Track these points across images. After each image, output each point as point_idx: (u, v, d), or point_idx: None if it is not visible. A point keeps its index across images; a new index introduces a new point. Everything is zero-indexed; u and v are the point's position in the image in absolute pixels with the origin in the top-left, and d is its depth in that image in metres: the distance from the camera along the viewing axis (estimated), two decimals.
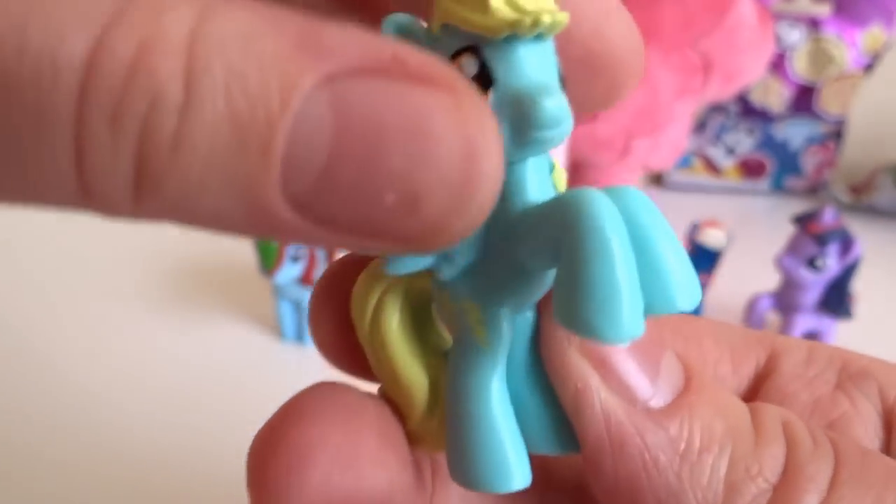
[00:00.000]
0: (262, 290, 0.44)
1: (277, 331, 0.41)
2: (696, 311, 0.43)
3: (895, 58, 0.60)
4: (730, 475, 0.11)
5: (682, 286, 0.09)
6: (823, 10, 0.56)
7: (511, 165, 0.09)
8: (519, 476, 0.10)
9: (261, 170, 0.08)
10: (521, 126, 0.09)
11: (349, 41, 0.08)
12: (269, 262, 0.37)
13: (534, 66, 0.09)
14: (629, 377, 0.11)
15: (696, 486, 0.11)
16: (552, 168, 0.10)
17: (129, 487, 0.31)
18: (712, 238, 0.41)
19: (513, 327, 0.10)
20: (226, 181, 0.08)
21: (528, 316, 0.10)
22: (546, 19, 0.09)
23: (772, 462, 0.11)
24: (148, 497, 0.31)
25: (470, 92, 0.08)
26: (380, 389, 0.12)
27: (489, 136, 0.08)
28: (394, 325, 0.11)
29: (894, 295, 0.48)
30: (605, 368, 0.10)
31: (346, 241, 0.09)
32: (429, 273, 0.10)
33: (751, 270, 0.42)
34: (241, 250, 0.48)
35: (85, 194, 0.09)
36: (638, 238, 0.09)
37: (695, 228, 0.42)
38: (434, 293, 0.10)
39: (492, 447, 0.10)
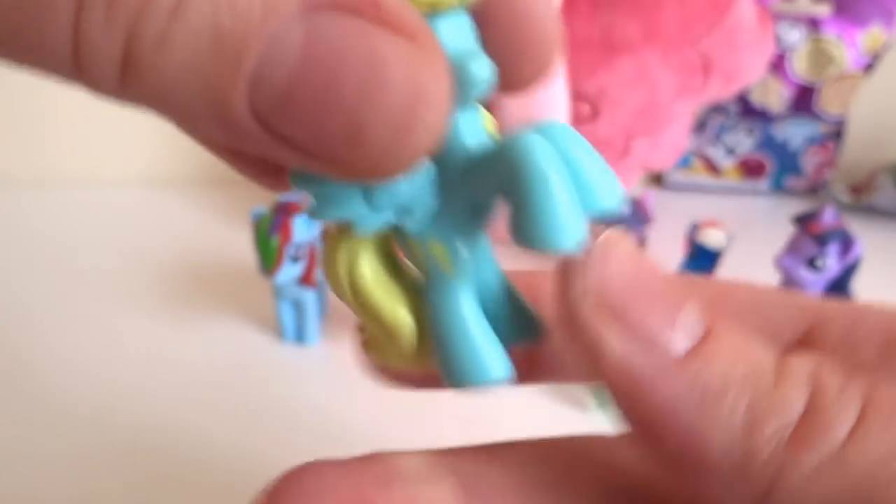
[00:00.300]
0: (262, 291, 0.44)
1: (277, 331, 0.41)
2: None
3: (895, 58, 0.60)
4: (748, 414, 0.11)
5: (606, 191, 0.11)
6: (823, 10, 0.56)
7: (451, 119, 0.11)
8: (497, 369, 0.12)
9: (230, 79, 0.09)
10: (454, 87, 0.10)
11: None
12: (269, 263, 0.37)
13: (455, 36, 0.10)
14: (645, 327, 0.11)
15: (715, 426, 0.11)
16: (482, 117, 0.12)
17: (130, 487, 0.31)
18: (712, 238, 0.41)
19: (473, 253, 0.12)
20: (199, 83, 0.09)
21: (482, 239, 0.12)
22: None
23: (793, 402, 0.11)
24: (148, 497, 0.31)
25: (433, 46, 0.09)
26: (363, 341, 0.14)
27: (439, 89, 0.09)
28: (368, 276, 0.12)
29: (894, 295, 0.48)
30: (621, 321, 0.11)
31: (298, 159, 0.10)
32: (393, 229, 0.12)
33: (751, 270, 0.42)
34: (241, 250, 0.48)
35: (76, 67, 0.09)
36: (568, 162, 0.10)
37: (695, 228, 0.42)
38: (399, 241, 0.12)
39: (471, 349, 0.12)
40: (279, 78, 0.09)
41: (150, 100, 0.10)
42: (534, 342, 0.13)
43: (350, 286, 0.12)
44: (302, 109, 0.09)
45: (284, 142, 0.09)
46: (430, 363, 0.13)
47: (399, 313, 0.12)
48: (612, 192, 0.11)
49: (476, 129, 0.11)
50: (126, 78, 0.09)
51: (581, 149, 0.11)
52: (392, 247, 0.12)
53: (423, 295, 0.12)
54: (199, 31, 0.09)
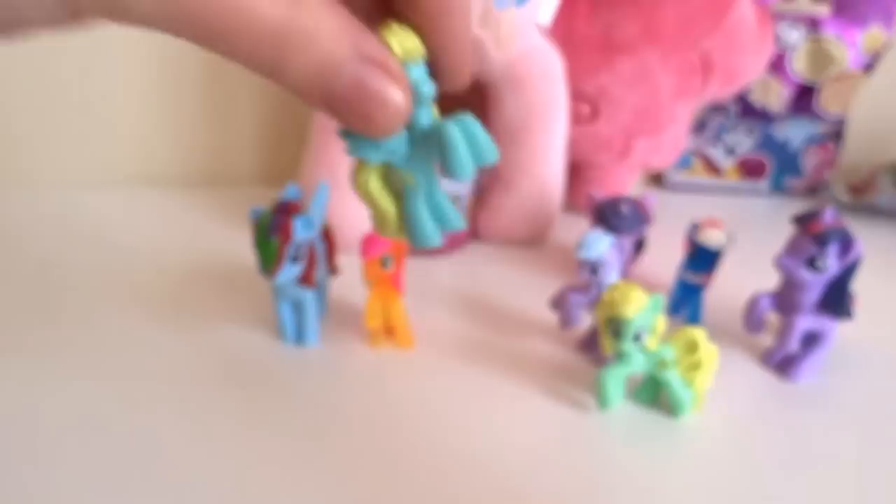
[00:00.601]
0: (262, 291, 0.44)
1: (277, 331, 0.41)
2: (696, 319, 0.43)
3: (895, 58, 0.60)
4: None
5: (488, 153, 0.20)
6: (823, 11, 0.56)
7: (414, 109, 0.20)
8: (435, 239, 0.22)
9: (313, 78, 0.18)
10: (414, 99, 0.20)
11: (369, 43, 0.18)
12: (268, 263, 0.37)
13: (416, 71, 0.20)
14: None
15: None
16: (431, 110, 0.21)
17: (129, 488, 0.31)
18: (712, 238, 0.41)
19: (425, 178, 0.22)
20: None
21: (431, 171, 0.22)
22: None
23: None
24: (148, 496, 0.31)
25: (405, 82, 0.19)
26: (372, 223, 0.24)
27: (406, 101, 0.19)
28: (374, 186, 0.22)
29: (894, 295, 0.48)
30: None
31: (341, 121, 0.19)
32: (387, 162, 0.22)
33: (751, 270, 0.42)
34: (241, 250, 0.48)
35: None
36: (468, 136, 0.20)
37: (695, 228, 0.42)
38: (390, 169, 0.22)
39: (421, 228, 0.22)
40: (339, 89, 0.18)
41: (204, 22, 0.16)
42: (455, 229, 0.23)
43: (364, 192, 0.22)
44: (348, 105, 0.19)
45: (335, 113, 0.19)
46: (403, 233, 0.23)
47: (389, 207, 0.23)
48: (492, 153, 0.21)
49: (427, 116, 0.21)
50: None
51: (476, 129, 0.21)
52: (387, 172, 0.22)
53: (400, 198, 0.23)
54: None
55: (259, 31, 0.16)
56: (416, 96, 0.20)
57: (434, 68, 0.21)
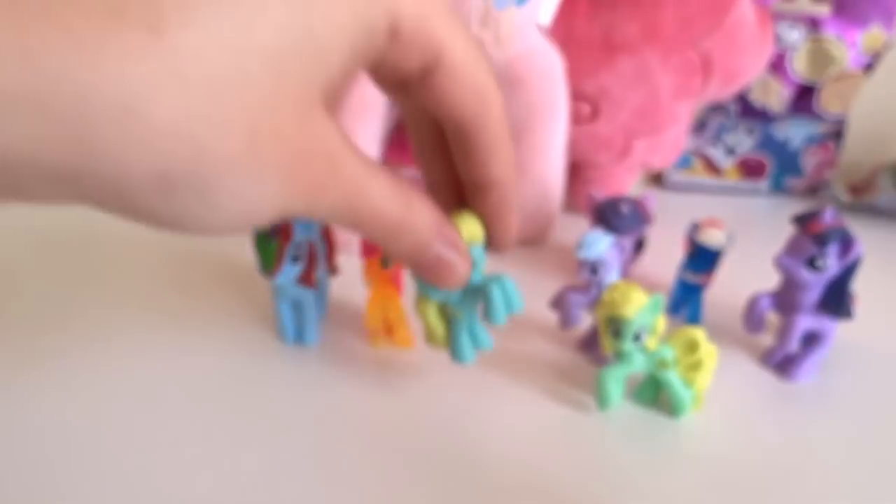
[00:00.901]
0: (262, 291, 0.44)
1: (277, 331, 0.41)
2: (696, 319, 0.43)
3: (895, 58, 0.60)
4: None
5: (516, 305, 0.29)
6: (823, 10, 0.56)
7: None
8: (471, 358, 0.32)
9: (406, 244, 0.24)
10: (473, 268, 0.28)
11: (448, 230, 0.25)
12: (269, 263, 0.37)
13: (475, 252, 0.28)
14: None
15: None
16: (480, 271, 0.29)
17: (129, 489, 0.31)
18: (712, 238, 0.41)
19: (468, 314, 0.31)
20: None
21: (473, 310, 0.30)
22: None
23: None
24: (147, 497, 0.31)
25: (469, 258, 0.26)
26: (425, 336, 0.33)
27: (468, 270, 0.26)
28: (432, 314, 0.31)
29: (894, 295, 0.48)
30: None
31: (424, 277, 0.26)
32: (445, 300, 0.31)
33: (751, 270, 0.42)
34: (240, 251, 0.48)
35: None
36: (504, 292, 0.29)
37: (695, 228, 0.42)
38: (446, 306, 0.31)
39: (461, 348, 0.31)
40: (425, 261, 0.25)
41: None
42: (486, 348, 0.32)
43: (423, 316, 0.31)
44: (428, 271, 0.25)
45: (418, 272, 0.26)
46: (448, 350, 0.32)
47: (439, 330, 0.32)
48: (520, 305, 0.29)
49: (478, 276, 0.29)
50: None
51: (511, 288, 0.29)
52: (441, 305, 0.31)
53: (449, 325, 0.32)
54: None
55: (382, 223, 0.22)
56: (473, 265, 0.27)
57: (488, 242, 0.28)
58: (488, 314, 0.29)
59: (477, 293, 0.29)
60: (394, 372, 0.39)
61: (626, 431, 0.35)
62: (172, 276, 0.48)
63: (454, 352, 0.32)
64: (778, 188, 0.63)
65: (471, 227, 0.27)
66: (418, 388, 0.38)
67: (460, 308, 0.30)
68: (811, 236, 0.36)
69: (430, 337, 0.32)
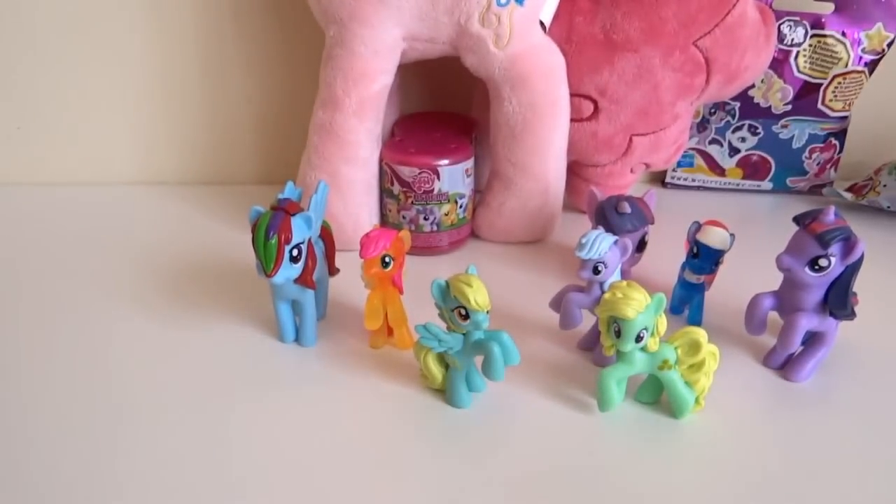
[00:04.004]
0: (261, 291, 0.44)
1: (276, 332, 0.41)
2: (697, 320, 0.43)
3: None
4: None
5: (514, 359, 0.34)
6: (826, 9, 0.56)
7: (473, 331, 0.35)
8: (466, 403, 0.36)
9: None
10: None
11: None
12: (268, 263, 0.37)
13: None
14: None
15: None
16: (483, 332, 0.35)
17: (129, 488, 0.31)
18: (714, 237, 0.41)
19: (465, 364, 0.36)
20: None
21: (472, 360, 0.36)
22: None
23: None
24: (148, 497, 0.31)
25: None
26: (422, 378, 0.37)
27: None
28: (432, 361, 0.36)
29: (895, 295, 0.47)
30: None
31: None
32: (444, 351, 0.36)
33: (752, 270, 0.42)
34: (240, 251, 0.48)
35: None
36: (503, 347, 0.34)
37: (696, 228, 0.42)
38: (444, 355, 0.36)
39: (458, 394, 0.36)
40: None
41: None
42: (480, 391, 0.37)
43: (423, 363, 0.36)
44: None
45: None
46: (445, 394, 0.37)
47: (438, 376, 0.36)
48: (517, 359, 0.34)
49: (479, 335, 0.35)
50: None
51: (509, 344, 0.34)
52: (442, 354, 0.36)
53: (448, 372, 0.36)
54: None
55: None
56: (477, 326, 0.33)
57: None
58: (489, 370, 0.34)
59: (477, 347, 0.34)
60: (394, 372, 0.39)
61: (628, 431, 0.35)
62: (172, 275, 0.48)
63: (452, 398, 0.36)
64: (780, 187, 0.63)
65: (480, 295, 0.33)
66: (418, 388, 0.38)
67: (460, 359, 0.35)
68: (813, 236, 0.36)
69: (429, 380, 0.37)
